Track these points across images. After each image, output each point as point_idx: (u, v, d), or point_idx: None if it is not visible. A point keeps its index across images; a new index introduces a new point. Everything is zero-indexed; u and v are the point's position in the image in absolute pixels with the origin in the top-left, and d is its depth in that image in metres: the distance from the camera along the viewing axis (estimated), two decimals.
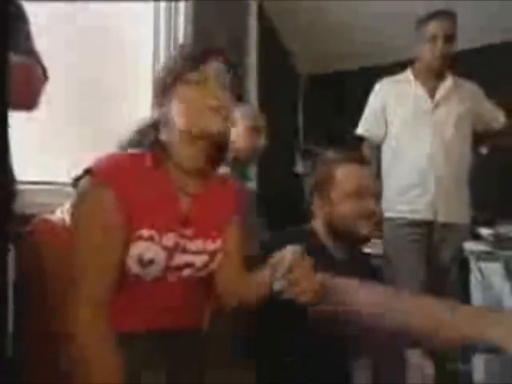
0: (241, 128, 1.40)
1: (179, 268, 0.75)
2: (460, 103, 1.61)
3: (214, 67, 0.77)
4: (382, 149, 1.74)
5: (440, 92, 1.63)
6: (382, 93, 1.74)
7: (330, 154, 1.05)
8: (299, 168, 2.88)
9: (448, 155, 1.58)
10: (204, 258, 0.79)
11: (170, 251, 0.73)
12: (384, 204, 1.67)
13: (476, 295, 1.45)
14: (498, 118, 1.65)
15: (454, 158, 1.59)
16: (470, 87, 1.67)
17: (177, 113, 0.76)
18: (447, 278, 1.59)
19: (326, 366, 0.84)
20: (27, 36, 0.86)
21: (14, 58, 0.76)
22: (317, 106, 3.00)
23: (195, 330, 0.81)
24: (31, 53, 0.85)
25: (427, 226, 1.58)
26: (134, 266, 0.70)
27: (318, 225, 0.99)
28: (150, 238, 0.70)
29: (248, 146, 1.40)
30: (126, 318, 0.72)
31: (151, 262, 0.71)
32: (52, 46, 1.10)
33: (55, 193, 1.13)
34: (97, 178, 0.69)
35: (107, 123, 1.36)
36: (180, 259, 0.75)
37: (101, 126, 1.36)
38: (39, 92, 0.85)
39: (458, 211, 1.60)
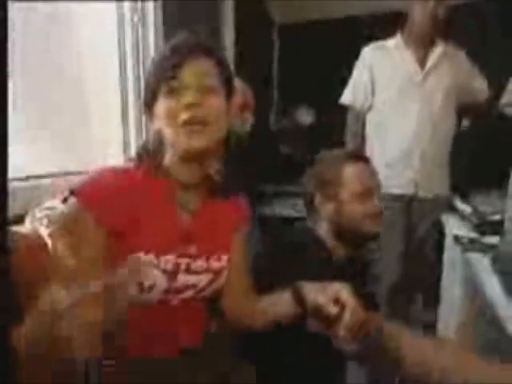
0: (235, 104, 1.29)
1: (180, 290, 0.71)
2: (449, 74, 1.57)
3: (191, 70, 0.66)
4: (367, 119, 1.69)
5: (430, 61, 1.57)
6: (370, 61, 1.65)
7: (334, 152, 1.00)
8: (273, 124, 2.80)
9: (434, 130, 1.56)
10: (208, 277, 0.74)
11: (171, 273, 0.69)
12: None
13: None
14: (484, 90, 1.63)
15: (440, 133, 1.58)
16: (461, 57, 1.61)
17: (160, 130, 0.68)
18: (424, 250, 1.66)
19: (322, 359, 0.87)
20: None
21: None
22: (292, 57, 2.83)
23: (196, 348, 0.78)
24: None
25: (408, 200, 1.61)
26: (133, 291, 0.65)
27: (319, 222, 0.97)
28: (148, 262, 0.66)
29: (237, 122, 1.30)
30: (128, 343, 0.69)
31: (151, 287, 0.67)
32: None
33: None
34: (79, 202, 0.64)
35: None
36: (183, 279, 0.71)
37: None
38: None
39: (439, 185, 1.63)
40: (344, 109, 1.74)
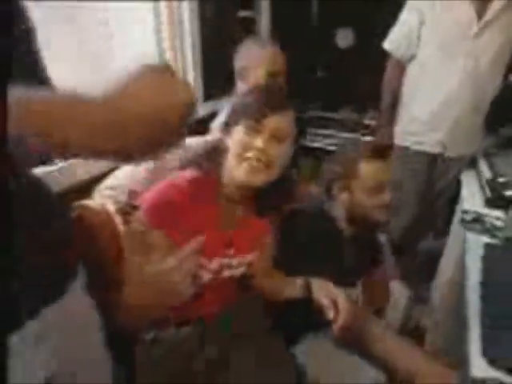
0: (258, 73, 1.29)
1: (223, 278, 0.91)
2: (506, 31, 1.44)
3: (273, 121, 0.81)
4: (407, 69, 1.63)
5: (489, 14, 1.43)
6: (421, 5, 1.50)
7: (354, 144, 1.08)
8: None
9: (475, 93, 1.51)
10: (241, 269, 0.94)
11: (216, 272, 0.88)
12: (396, 129, 1.70)
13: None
14: None
15: (481, 97, 1.53)
16: None
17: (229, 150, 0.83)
18: (438, 203, 1.77)
19: None
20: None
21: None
22: None
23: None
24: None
25: (432, 157, 1.65)
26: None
27: (336, 207, 1.10)
28: (199, 266, 0.84)
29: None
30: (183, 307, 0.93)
31: (197, 278, 0.85)
32: None
33: None
34: (145, 218, 0.79)
35: None
36: (224, 274, 0.91)
37: None
38: None
39: (468, 147, 1.64)
40: (385, 34, 1.64)
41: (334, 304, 0.82)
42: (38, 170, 0.92)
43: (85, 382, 0.84)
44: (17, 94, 0.40)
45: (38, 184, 0.69)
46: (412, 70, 1.61)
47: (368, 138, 2.43)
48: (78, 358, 0.80)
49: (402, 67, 1.63)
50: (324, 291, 0.85)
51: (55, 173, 1.07)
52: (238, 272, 0.94)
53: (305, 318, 0.95)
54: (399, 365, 0.80)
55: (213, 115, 1.47)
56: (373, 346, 0.83)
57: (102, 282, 0.89)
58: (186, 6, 1.57)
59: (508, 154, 1.68)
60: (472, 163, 1.69)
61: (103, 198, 1.00)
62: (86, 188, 1.06)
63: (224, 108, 1.40)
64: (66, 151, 0.44)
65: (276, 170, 0.84)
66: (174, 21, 1.56)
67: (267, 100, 0.83)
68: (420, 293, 1.70)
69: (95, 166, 1.17)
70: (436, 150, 1.62)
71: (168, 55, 1.58)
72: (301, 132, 2.43)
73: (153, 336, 0.90)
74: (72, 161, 1.13)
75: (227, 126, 0.86)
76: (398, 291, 1.39)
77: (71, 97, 0.42)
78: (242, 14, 2.04)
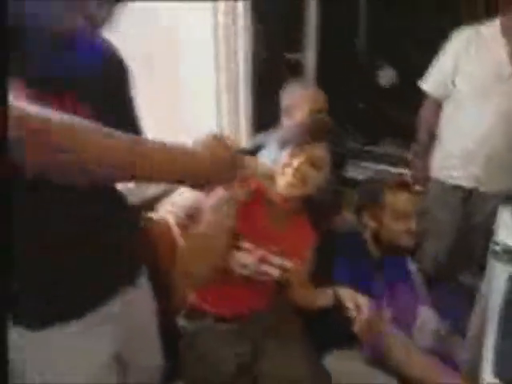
0: (305, 111, 1.48)
1: (262, 274, 1.06)
2: None
3: (313, 150, 1.02)
4: (443, 106, 1.73)
5: None
6: (458, 47, 1.62)
7: (383, 176, 1.21)
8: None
9: (509, 131, 1.57)
10: (279, 272, 1.07)
11: (260, 259, 1.04)
12: (432, 163, 1.79)
13: None
14: None
15: None
16: None
17: None
18: (474, 238, 1.80)
19: None
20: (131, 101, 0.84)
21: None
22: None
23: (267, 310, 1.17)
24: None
25: (467, 191, 1.71)
26: (235, 267, 1.03)
27: (367, 234, 1.23)
28: (247, 248, 1.03)
29: None
30: (222, 304, 1.10)
31: (245, 266, 1.04)
32: None
33: None
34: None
35: None
36: (264, 268, 1.06)
37: None
38: None
39: (503, 183, 1.68)
40: (425, 73, 1.76)
41: (357, 307, 0.94)
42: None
43: (144, 363, 1.01)
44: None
45: (120, 195, 0.88)
46: (447, 109, 1.71)
47: (406, 171, 2.53)
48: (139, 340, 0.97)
49: (438, 106, 1.74)
50: (349, 296, 0.98)
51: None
52: (275, 272, 1.07)
53: (330, 330, 1.07)
54: (414, 373, 0.89)
55: (259, 147, 1.66)
56: (390, 352, 0.92)
57: (156, 281, 1.08)
58: (241, 47, 1.81)
59: None
60: (510, 198, 1.72)
61: (166, 213, 1.21)
62: (151, 204, 1.28)
63: (269, 141, 1.60)
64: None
65: (310, 188, 1.03)
66: (231, 64, 1.81)
67: (309, 132, 1.05)
68: (457, 325, 1.71)
69: (158, 187, 1.39)
70: (470, 184, 1.69)
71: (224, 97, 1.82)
72: (342, 164, 2.56)
73: (194, 329, 1.06)
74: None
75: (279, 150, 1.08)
76: (427, 316, 1.44)
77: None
78: (290, 56, 2.27)
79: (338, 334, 1.11)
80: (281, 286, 1.15)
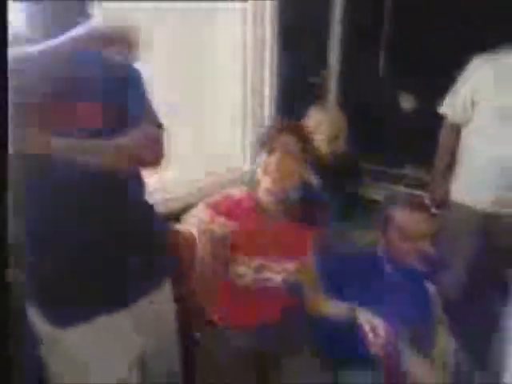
0: (325, 135, 1.55)
1: (265, 280, 1.11)
2: None
3: (284, 141, 1.08)
4: (463, 129, 1.75)
5: None
6: (476, 74, 1.65)
7: (398, 194, 1.24)
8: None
9: None
10: (282, 275, 1.13)
11: (257, 270, 1.09)
12: (453, 187, 1.79)
13: None
14: None
15: None
16: None
17: None
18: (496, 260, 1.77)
19: None
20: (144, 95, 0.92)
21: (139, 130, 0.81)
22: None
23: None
24: (150, 115, 0.92)
25: (489, 215, 1.70)
26: (233, 277, 1.09)
27: (380, 250, 1.25)
28: (242, 262, 1.08)
29: (329, 151, 1.56)
30: (233, 314, 1.14)
31: (242, 276, 1.09)
32: None
33: None
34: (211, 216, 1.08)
35: None
36: (265, 275, 1.11)
37: None
38: (163, 152, 0.90)
39: None
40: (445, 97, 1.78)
41: (374, 330, 0.96)
42: None
43: (162, 369, 1.05)
44: None
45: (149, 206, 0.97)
46: (467, 132, 1.73)
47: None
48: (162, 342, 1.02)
49: (457, 130, 1.76)
50: (365, 317, 0.99)
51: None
52: (278, 278, 1.12)
53: (348, 347, 1.08)
54: None
55: None
56: (414, 375, 0.93)
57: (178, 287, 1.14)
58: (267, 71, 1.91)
59: None
60: None
61: (189, 225, 1.28)
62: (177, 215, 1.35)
63: None
64: None
65: (295, 178, 1.10)
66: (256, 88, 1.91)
67: (277, 128, 1.16)
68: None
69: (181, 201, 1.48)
70: (493, 208, 1.68)
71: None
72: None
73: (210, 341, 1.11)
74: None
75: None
76: (447, 339, 1.42)
77: None
78: (312, 80, 2.36)
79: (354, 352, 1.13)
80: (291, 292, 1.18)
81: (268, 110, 1.97)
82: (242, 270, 1.09)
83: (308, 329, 1.21)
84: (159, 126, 0.91)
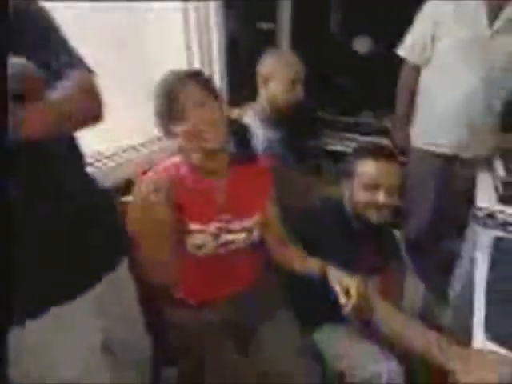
0: (279, 80, 1.41)
1: (226, 244, 1.04)
2: None
3: (188, 93, 0.94)
4: (422, 73, 1.70)
5: (501, 19, 1.48)
6: (434, 13, 1.57)
7: (363, 145, 1.18)
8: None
9: (490, 94, 1.56)
10: (243, 235, 1.06)
11: (215, 235, 1.01)
12: (412, 132, 1.77)
13: None
14: None
15: (495, 97, 1.58)
16: None
17: None
18: (455, 203, 1.81)
19: None
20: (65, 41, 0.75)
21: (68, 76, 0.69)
22: None
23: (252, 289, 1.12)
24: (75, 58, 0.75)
25: (449, 158, 1.70)
26: (192, 250, 1.01)
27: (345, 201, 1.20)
28: (198, 230, 0.99)
29: (287, 99, 1.43)
30: (201, 289, 1.06)
31: (202, 246, 1.01)
32: None
33: None
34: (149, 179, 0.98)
35: None
36: (225, 238, 1.03)
37: None
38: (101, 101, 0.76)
39: (483, 146, 1.67)
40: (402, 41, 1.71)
41: (347, 291, 0.91)
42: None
43: (131, 354, 0.97)
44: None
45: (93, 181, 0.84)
46: (426, 74, 1.68)
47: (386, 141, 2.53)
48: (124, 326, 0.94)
49: (416, 71, 1.70)
50: (337, 278, 0.95)
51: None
52: (240, 238, 1.04)
53: (323, 306, 1.04)
54: (410, 343, 0.87)
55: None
56: (385, 327, 0.91)
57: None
58: (213, 17, 1.71)
59: None
60: (487, 163, 1.73)
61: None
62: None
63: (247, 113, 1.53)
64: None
65: (219, 130, 0.97)
66: (203, 34, 1.71)
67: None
68: (439, 290, 1.75)
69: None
70: (452, 151, 1.68)
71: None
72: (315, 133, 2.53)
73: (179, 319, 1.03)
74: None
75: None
76: (414, 287, 1.45)
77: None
78: (264, 25, 2.17)
79: (327, 309, 1.10)
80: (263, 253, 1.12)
81: (217, 63, 1.79)
82: (199, 239, 1.00)
83: (281, 292, 1.16)
84: (89, 70, 0.76)
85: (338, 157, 2.37)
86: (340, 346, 1.11)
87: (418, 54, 1.66)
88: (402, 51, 1.71)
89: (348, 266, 1.00)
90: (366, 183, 1.11)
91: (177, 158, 1.04)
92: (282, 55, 1.49)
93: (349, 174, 1.16)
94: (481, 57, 1.52)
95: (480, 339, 0.84)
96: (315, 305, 1.06)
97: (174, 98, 0.93)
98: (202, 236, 1.00)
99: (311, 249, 1.10)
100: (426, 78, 1.69)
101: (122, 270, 0.92)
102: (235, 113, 1.52)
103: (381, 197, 1.10)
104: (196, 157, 1.00)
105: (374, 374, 0.99)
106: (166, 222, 0.96)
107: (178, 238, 1.00)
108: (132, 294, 0.99)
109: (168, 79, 0.97)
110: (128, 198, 1.13)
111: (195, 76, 0.98)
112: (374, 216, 1.11)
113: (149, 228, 0.96)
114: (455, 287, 1.72)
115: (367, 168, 1.12)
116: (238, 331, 1.03)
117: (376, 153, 1.13)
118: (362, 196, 1.12)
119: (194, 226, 0.99)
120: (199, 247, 1.01)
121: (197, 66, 1.72)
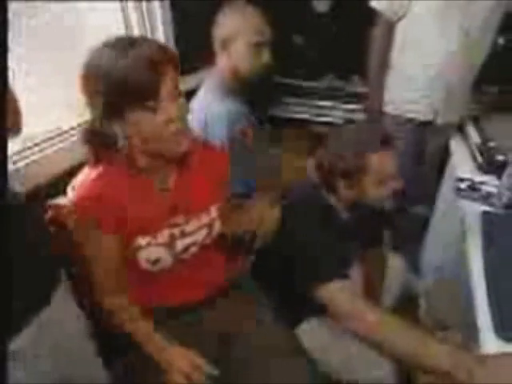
0: (242, 44, 1.18)
1: (186, 249, 0.87)
2: None
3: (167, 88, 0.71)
4: (397, 28, 1.52)
5: None
6: None
7: (358, 133, 1.02)
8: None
9: (467, 56, 1.44)
10: (203, 231, 0.89)
11: (169, 244, 0.83)
12: (386, 95, 1.63)
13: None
14: None
15: (474, 59, 1.47)
16: None
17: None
18: (426, 171, 1.74)
19: None
20: None
21: None
22: None
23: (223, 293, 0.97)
24: None
25: (422, 124, 1.60)
26: (147, 267, 0.83)
27: (334, 197, 1.05)
28: (148, 244, 0.81)
29: (251, 64, 1.20)
30: (168, 294, 0.90)
31: (158, 260, 0.83)
32: None
33: None
34: (81, 213, 0.78)
35: None
36: (182, 243, 0.85)
37: None
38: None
39: (456, 112, 1.59)
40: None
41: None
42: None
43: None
44: None
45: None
46: (401, 31, 1.51)
47: (352, 106, 2.40)
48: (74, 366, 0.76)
49: (390, 27, 1.52)
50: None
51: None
52: (200, 237, 0.89)
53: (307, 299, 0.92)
54: (433, 363, 0.76)
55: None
56: (395, 348, 0.79)
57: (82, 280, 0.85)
58: None
59: (495, 118, 1.64)
60: (460, 129, 1.66)
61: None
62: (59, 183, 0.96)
63: (203, 83, 1.30)
64: None
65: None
66: None
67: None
68: (411, 258, 1.70)
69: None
70: (427, 116, 1.57)
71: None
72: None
73: None
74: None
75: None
76: (396, 263, 1.38)
77: None
78: None
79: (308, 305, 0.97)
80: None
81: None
82: (153, 252, 0.82)
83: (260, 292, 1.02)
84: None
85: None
86: (323, 338, 1.03)
87: (394, 7, 1.46)
88: (375, 3, 1.51)
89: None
90: (381, 179, 0.98)
91: (95, 168, 0.80)
92: (243, 13, 1.23)
93: (349, 172, 0.98)
94: (459, 18, 1.39)
95: (490, 340, 0.74)
96: (296, 303, 0.97)
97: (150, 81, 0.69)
98: (153, 249, 0.81)
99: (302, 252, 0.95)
100: (401, 34, 1.51)
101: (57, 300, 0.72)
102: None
103: (395, 184, 1.00)
104: (145, 160, 0.79)
105: (378, 378, 0.94)
106: (113, 256, 0.80)
107: (130, 260, 0.82)
108: (73, 320, 0.80)
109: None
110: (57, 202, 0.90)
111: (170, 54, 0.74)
112: (387, 203, 1.04)
113: (97, 259, 0.81)
114: (427, 257, 1.69)
115: (378, 163, 0.96)
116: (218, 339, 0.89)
117: (385, 144, 0.98)
118: (377, 192, 0.99)
119: (142, 241, 0.81)
120: (156, 262, 0.82)
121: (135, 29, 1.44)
